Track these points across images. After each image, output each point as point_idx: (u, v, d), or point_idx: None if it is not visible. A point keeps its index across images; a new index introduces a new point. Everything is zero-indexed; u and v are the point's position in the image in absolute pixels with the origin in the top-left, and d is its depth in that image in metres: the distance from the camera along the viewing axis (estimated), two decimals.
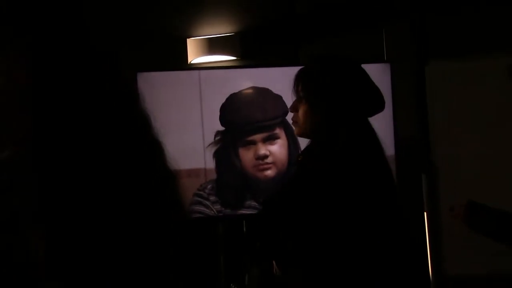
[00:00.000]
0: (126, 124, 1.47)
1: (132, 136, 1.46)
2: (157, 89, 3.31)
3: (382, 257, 2.32)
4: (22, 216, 1.32)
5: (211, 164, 3.32)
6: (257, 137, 3.32)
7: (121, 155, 1.43)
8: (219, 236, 3.51)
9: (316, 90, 2.35)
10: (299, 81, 2.39)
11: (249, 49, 3.79)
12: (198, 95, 3.35)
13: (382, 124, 2.53)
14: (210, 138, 3.34)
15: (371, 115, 2.37)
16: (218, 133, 3.32)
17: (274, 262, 2.56)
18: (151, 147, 1.54)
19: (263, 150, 3.32)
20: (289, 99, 3.24)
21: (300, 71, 2.41)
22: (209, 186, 3.33)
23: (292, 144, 3.31)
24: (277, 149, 3.33)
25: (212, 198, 3.33)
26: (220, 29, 3.83)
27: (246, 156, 3.34)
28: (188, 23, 3.86)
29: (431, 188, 3.00)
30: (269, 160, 3.32)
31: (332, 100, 2.33)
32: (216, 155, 3.33)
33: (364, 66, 2.53)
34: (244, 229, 3.47)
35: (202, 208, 3.32)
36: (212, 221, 3.41)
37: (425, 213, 2.99)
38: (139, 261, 1.42)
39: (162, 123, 3.50)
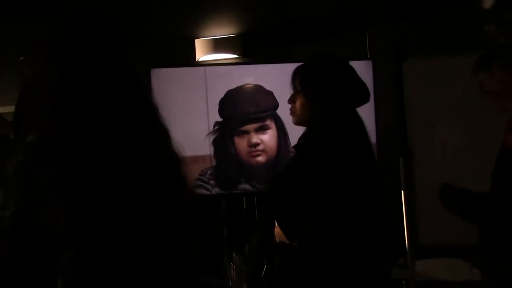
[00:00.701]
0: (137, 113, 1.48)
1: (141, 123, 1.48)
2: (168, 84, 3.31)
3: (368, 225, 2.36)
4: (44, 190, 1.34)
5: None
6: (250, 127, 3.33)
7: (132, 139, 1.45)
8: (223, 211, 3.51)
9: (311, 84, 2.37)
10: (296, 76, 2.42)
11: (249, 49, 3.80)
12: (204, 89, 3.34)
13: (365, 113, 2.53)
14: None
15: (358, 106, 2.40)
16: (216, 123, 3.33)
17: (275, 232, 2.58)
18: (159, 133, 1.56)
19: (255, 138, 3.33)
20: (280, 94, 3.29)
21: (297, 68, 2.44)
22: (209, 172, 3.33)
23: (281, 134, 3.32)
24: (268, 138, 3.34)
25: (212, 182, 3.32)
26: (224, 31, 3.82)
27: (241, 144, 3.34)
28: (196, 25, 3.83)
29: (407, 170, 3.00)
30: (260, 147, 3.33)
31: (325, 93, 2.36)
32: (215, 143, 3.33)
33: (350, 62, 2.56)
34: (244, 205, 3.49)
35: (204, 191, 3.32)
36: (216, 198, 3.40)
37: (402, 191, 3.00)
38: (150, 232, 1.44)
39: (172, 114, 3.51)
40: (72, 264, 1.28)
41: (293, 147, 2.55)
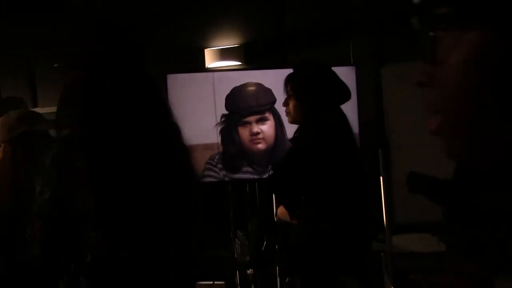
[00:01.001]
0: (152, 114, 1.52)
1: (156, 122, 1.51)
2: (182, 86, 3.33)
3: (353, 204, 2.40)
4: (77, 177, 1.39)
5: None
6: (252, 118, 3.34)
7: (148, 135, 1.49)
8: (229, 194, 3.52)
9: (300, 89, 2.42)
10: (288, 83, 2.47)
11: (250, 57, 3.79)
12: (212, 90, 3.36)
13: (349, 111, 2.58)
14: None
15: (341, 104, 2.45)
16: (223, 115, 3.33)
17: (278, 212, 2.61)
18: (171, 129, 1.60)
19: (256, 128, 3.33)
20: (277, 92, 3.31)
21: (288, 75, 2.49)
22: (216, 157, 3.34)
23: (278, 125, 3.32)
24: (267, 128, 3.34)
25: (219, 165, 3.34)
26: (229, 42, 3.83)
27: (243, 133, 3.34)
28: (206, 38, 3.86)
29: (385, 159, 3.03)
30: (260, 136, 3.33)
31: (313, 95, 2.40)
32: (222, 132, 3.33)
33: (336, 68, 2.60)
34: (247, 189, 3.51)
35: (212, 173, 3.33)
36: (223, 184, 3.41)
37: (380, 177, 3.02)
38: (164, 214, 1.48)
39: (186, 110, 3.56)
40: (97, 242, 1.32)
41: (290, 140, 2.60)
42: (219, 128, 3.35)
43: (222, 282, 3.53)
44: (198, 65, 3.79)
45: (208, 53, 3.81)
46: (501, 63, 0.43)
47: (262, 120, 3.35)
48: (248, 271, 3.35)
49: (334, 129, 2.40)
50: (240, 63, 3.78)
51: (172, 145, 1.53)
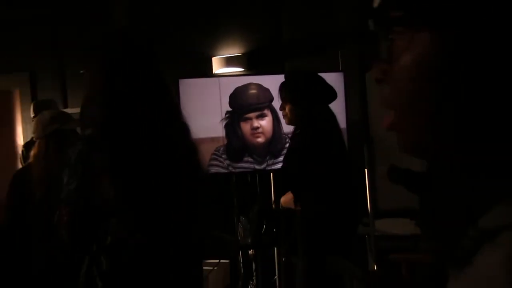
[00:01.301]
0: (165, 114, 1.51)
1: (168, 121, 1.50)
2: (193, 89, 3.34)
3: (343, 191, 2.41)
4: (99, 170, 1.39)
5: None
6: (252, 115, 3.33)
7: (160, 132, 1.48)
8: (232, 184, 3.51)
9: (294, 94, 2.44)
10: (282, 89, 2.49)
11: (252, 64, 3.78)
12: (218, 93, 3.35)
13: (339, 112, 2.60)
14: None
15: (329, 103, 2.47)
16: (227, 112, 3.33)
17: (281, 201, 2.63)
18: (181, 127, 1.59)
19: (256, 123, 3.33)
20: (274, 93, 3.29)
21: (281, 83, 2.51)
22: (221, 148, 3.34)
23: (275, 121, 3.32)
24: (265, 123, 3.34)
25: (224, 156, 3.34)
26: (233, 51, 3.82)
27: (245, 127, 3.34)
28: (213, 47, 3.86)
29: (369, 154, 3.02)
30: (259, 130, 3.33)
31: (305, 99, 2.42)
32: (226, 127, 3.33)
33: (326, 74, 2.62)
34: (249, 179, 3.51)
35: (217, 163, 3.33)
36: (228, 175, 3.41)
37: (365, 169, 3.02)
38: (175, 200, 1.47)
39: (196, 109, 3.54)
40: (116, 226, 1.32)
41: (290, 138, 2.61)
42: (223, 123, 3.35)
43: (227, 261, 3.55)
44: (207, 71, 3.78)
45: (215, 61, 3.81)
46: (446, 62, 0.42)
47: (261, 116, 3.34)
48: (249, 252, 3.36)
49: (326, 129, 2.43)
50: (242, 69, 3.78)
51: (182, 142, 1.53)
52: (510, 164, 0.41)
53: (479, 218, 0.40)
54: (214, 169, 3.33)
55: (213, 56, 3.83)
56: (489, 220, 0.40)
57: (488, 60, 0.40)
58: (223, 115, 3.34)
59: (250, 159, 3.35)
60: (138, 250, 1.32)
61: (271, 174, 3.42)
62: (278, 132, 3.34)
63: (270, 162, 3.33)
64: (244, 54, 3.80)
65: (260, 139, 3.35)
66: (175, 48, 3.73)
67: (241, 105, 3.34)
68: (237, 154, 3.34)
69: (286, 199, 2.53)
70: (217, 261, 3.49)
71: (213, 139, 3.33)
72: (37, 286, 2.17)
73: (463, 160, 0.43)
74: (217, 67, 3.79)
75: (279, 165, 3.22)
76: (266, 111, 3.34)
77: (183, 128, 1.55)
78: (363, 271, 2.59)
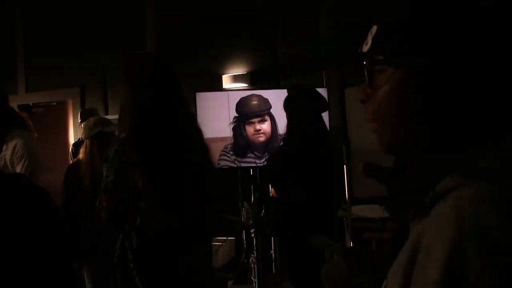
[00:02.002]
0: (183, 121, 1.51)
1: (185, 127, 1.51)
2: (207, 101, 3.33)
3: (326, 183, 2.41)
4: (131, 165, 1.39)
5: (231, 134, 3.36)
6: (255, 120, 3.33)
7: (179, 135, 1.49)
8: (238, 176, 3.50)
9: (290, 107, 2.41)
10: (285, 103, 2.48)
11: (254, 80, 3.77)
12: (227, 103, 3.35)
13: (325, 118, 2.59)
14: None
15: (322, 112, 2.46)
16: (234, 117, 3.33)
17: (271, 191, 2.61)
18: (197, 133, 1.59)
19: (258, 126, 3.32)
20: (272, 102, 3.28)
21: (285, 99, 2.49)
22: (229, 146, 3.33)
23: (273, 125, 3.32)
24: (266, 126, 3.33)
25: (231, 152, 3.33)
26: (239, 70, 3.81)
27: (249, 130, 3.33)
28: (223, 67, 3.85)
29: (347, 153, 3.02)
30: (261, 132, 3.32)
31: (291, 109, 2.41)
32: (233, 129, 3.33)
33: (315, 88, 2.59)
34: (251, 173, 3.47)
35: (226, 158, 3.32)
36: (234, 169, 3.39)
37: (344, 166, 3.01)
38: (191, 187, 1.47)
39: (209, 116, 3.52)
40: (144, 209, 1.33)
41: (281, 138, 2.59)
42: (231, 126, 3.34)
43: (233, 238, 3.55)
44: (218, 86, 3.77)
45: (225, 78, 3.81)
46: (411, 90, 0.49)
47: (262, 121, 3.34)
48: (251, 231, 3.35)
49: (312, 133, 2.41)
50: (247, 85, 3.77)
51: (196, 142, 1.53)
52: (458, 142, 0.47)
53: (437, 184, 0.45)
54: (223, 163, 3.32)
55: (223, 74, 3.82)
56: (442, 184, 0.45)
57: (445, 87, 0.47)
58: (231, 120, 3.34)
59: (252, 155, 3.34)
60: (161, 228, 1.32)
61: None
62: (275, 134, 3.34)
63: (267, 157, 3.33)
64: (248, 72, 3.80)
65: (261, 139, 3.34)
66: (193, 68, 3.74)
67: (246, 112, 3.34)
68: (242, 151, 3.34)
69: (273, 190, 2.52)
70: (225, 238, 3.50)
71: (222, 139, 3.33)
72: (84, 256, 2.18)
73: (426, 150, 0.50)
74: (226, 82, 3.78)
75: None
76: (266, 117, 3.33)
77: (197, 131, 1.55)
78: (341, 247, 2.60)
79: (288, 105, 2.44)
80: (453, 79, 0.46)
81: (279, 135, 3.26)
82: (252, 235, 3.30)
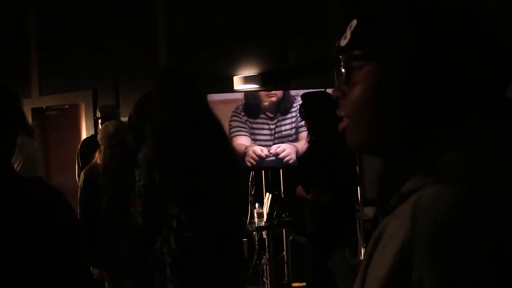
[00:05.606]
0: (209, 127, 1.58)
1: (213, 131, 1.56)
2: (219, 102, 3.36)
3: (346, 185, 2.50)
4: (151, 163, 1.44)
5: None
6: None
7: (207, 139, 1.53)
8: (252, 179, 3.51)
9: (300, 113, 2.51)
10: (300, 108, 2.56)
11: (264, 82, 3.82)
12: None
13: None
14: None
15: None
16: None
17: (297, 191, 2.62)
18: (226, 138, 1.63)
19: None
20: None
21: (300, 105, 2.56)
22: (240, 107, 3.35)
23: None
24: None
25: (242, 113, 3.33)
26: (250, 72, 3.88)
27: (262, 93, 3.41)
28: (234, 68, 3.93)
29: (359, 154, 3.02)
30: (273, 92, 3.39)
31: (313, 115, 2.49)
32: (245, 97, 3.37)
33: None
34: (263, 175, 3.53)
35: (237, 119, 3.33)
36: (247, 171, 3.38)
37: (356, 166, 3.04)
38: (220, 189, 1.48)
39: (220, 117, 3.60)
40: (178, 213, 1.40)
41: (308, 141, 2.64)
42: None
43: (245, 239, 3.59)
44: (229, 88, 3.84)
45: (236, 79, 3.87)
46: (389, 88, 0.49)
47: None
48: (263, 232, 3.41)
49: (333, 135, 2.46)
50: (257, 85, 3.83)
51: (224, 148, 1.58)
52: (425, 143, 0.47)
53: (402, 185, 0.47)
54: (234, 124, 3.29)
55: (234, 76, 3.89)
56: (406, 186, 0.46)
57: (425, 86, 0.47)
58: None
59: (264, 116, 3.32)
60: (196, 230, 1.38)
61: (281, 170, 3.46)
62: (287, 94, 3.36)
63: (280, 118, 3.32)
64: (258, 74, 3.86)
65: (273, 99, 3.35)
66: (206, 70, 3.81)
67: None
68: (253, 111, 3.30)
69: (299, 189, 2.58)
70: None
71: (233, 101, 3.33)
72: (103, 261, 2.20)
73: (396, 150, 0.51)
74: (238, 84, 3.84)
75: (287, 121, 3.24)
76: None
77: (226, 138, 1.59)
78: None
79: (305, 111, 2.53)
80: (433, 78, 0.46)
81: (291, 96, 3.27)
82: (264, 236, 3.37)
